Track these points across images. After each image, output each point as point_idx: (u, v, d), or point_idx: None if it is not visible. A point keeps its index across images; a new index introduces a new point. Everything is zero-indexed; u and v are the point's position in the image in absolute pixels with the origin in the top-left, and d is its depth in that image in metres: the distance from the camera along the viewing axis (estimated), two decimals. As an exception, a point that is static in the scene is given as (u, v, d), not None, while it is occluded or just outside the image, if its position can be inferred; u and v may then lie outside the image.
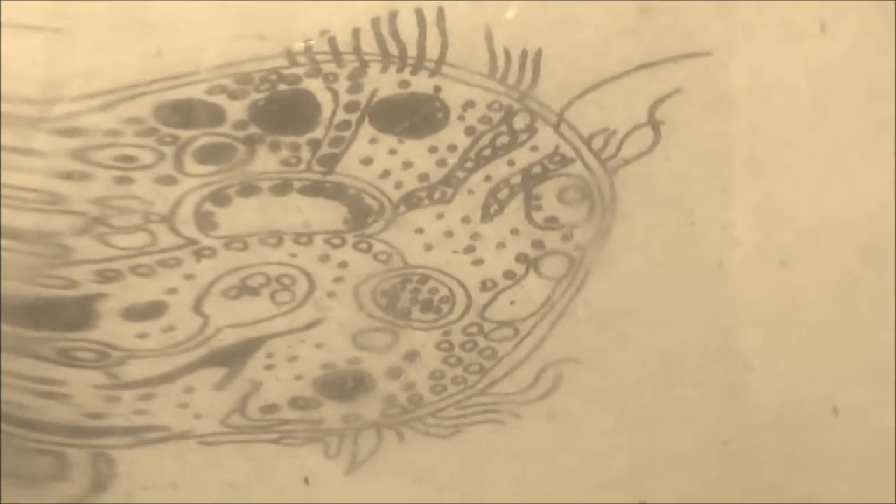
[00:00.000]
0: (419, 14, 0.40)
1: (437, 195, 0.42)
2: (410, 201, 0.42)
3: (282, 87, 0.40)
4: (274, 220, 0.42)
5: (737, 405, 0.46)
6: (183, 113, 0.40)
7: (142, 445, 0.44)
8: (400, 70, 0.41)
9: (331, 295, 0.43)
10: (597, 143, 0.42)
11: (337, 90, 0.41)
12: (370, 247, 0.43)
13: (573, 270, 0.44)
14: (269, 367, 0.43)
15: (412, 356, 0.44)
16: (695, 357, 0.45)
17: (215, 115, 0.40)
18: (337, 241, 0.42)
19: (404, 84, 0.41)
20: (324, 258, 0.43)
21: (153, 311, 0.42)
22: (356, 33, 0.40)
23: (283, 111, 0.41)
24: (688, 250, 0.44)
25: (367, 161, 0.42)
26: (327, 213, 0.42)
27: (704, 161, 0.43)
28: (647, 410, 0.46)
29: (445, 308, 0.44)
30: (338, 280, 0.43)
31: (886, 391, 0.46)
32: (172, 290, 0.42)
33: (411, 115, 0.41)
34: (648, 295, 0.44)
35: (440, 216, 0.43)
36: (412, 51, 0.41)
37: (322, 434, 0.44)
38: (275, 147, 0.41)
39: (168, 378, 0.43)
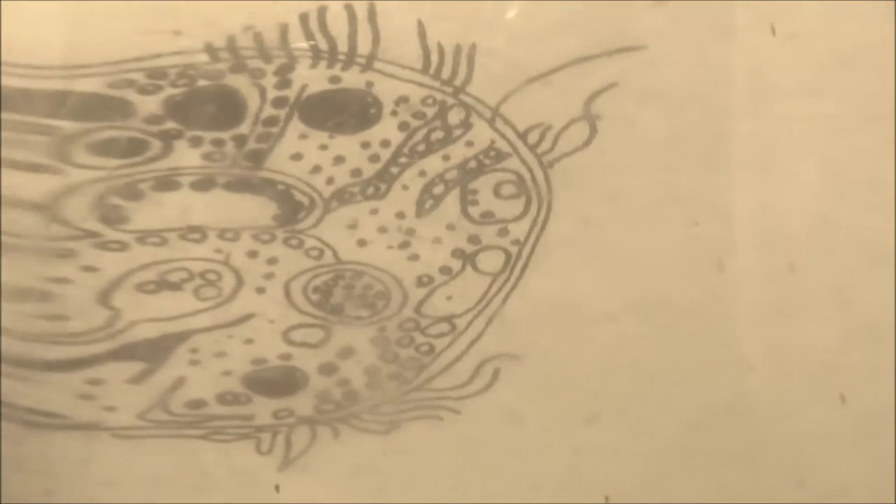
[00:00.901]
0: (349, 10, 0.40)
1: (370, 191, 0.42)
2: (342, 197, 0.42)
3: (202, 82, 0.40)
4: (196, 215, 0.41)
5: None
6: (72, 105, 0.39)
7: (29, 427, 0.43)
8: (330, 66, 0.40)
9: (260, 291, 0.42)
10: (532, 137, 0.42)
11: (264, 86, 0.40)
12: (301, 242, 0.42)
13: (510, 265, 0.43)
14: (194, 363, 0.43)
15: (346, 352, 0.44)
16: (640, 351, 0.45)
17: (120, 110, 0.40)
18: (266, 236, 0.42)
19: (335, 80, 0.41)
20: (252, 254, 0.42)
21: (31, 296, 0.42)
22: (283, 29, 0.39)
23: (205, 106, 0.40)
24: (624, 244, 0.43)
25: (296, 157, 0.41)
26: (255, 209, 0.42)
27: (641, 155, 0.42)
28: (588, 405, 0.45)
29: (381, 304, 0.43)
30: (268, 276, 0.42)
31: (887, 391, 0.46)
32: (62, 280, 0.42)
33: (342, 111, 0.41)
34: (587, 289, 0.44)
35: (374, 212, 0.42)
36: (343, 46, 0.40)
37: (253, 430, 0.44)
38: (195, 142, 0.40)
39: (62, 367, 0.43)
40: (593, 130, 0.42)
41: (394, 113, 0.41)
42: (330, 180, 0.42)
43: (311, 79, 0.40)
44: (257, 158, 0.41)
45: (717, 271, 0.44)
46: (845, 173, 0.43)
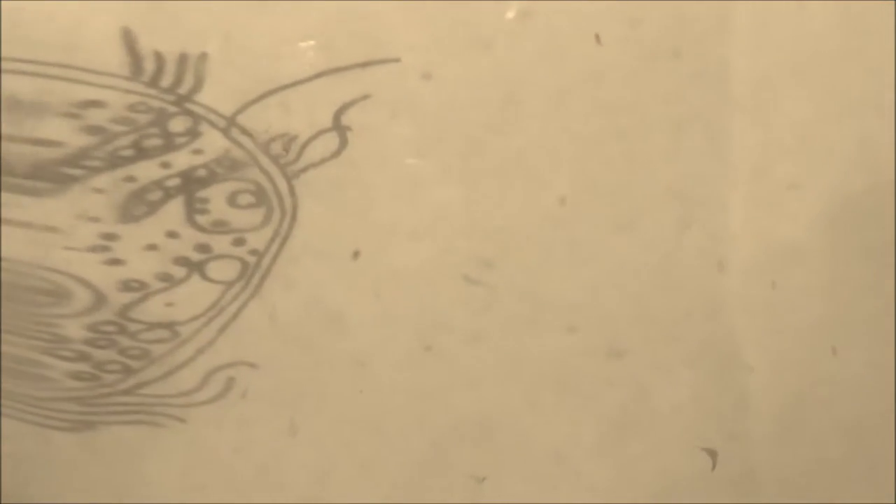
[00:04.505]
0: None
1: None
2: None
3: None
4: None
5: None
6: None
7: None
8: None
9: None
10: (275, 147, 0.38)
11: None
12: None
13: (247, 274, 0.40)
14: None
15: None
16: (386, 363, 0.42)
17: None
18: None
19: None
20: None
21: None
22: None
23: None
24: (373, 258, 0.41)
25: None
26: None
27: (392, 167, 0.40)
28: (327, 416, 0.43)
29: (46, 300, 0.40)
30: None
31: (887, 392, 0.45)
32: None
33: None
34: (332, 299, 0.41)
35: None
36: None
37: None
38: None
39: None
40: (343, 141, 0.39)
41: (73, 115, 0.37)
42: None
43: None
44: None
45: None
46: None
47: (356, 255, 0.40)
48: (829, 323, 0.44)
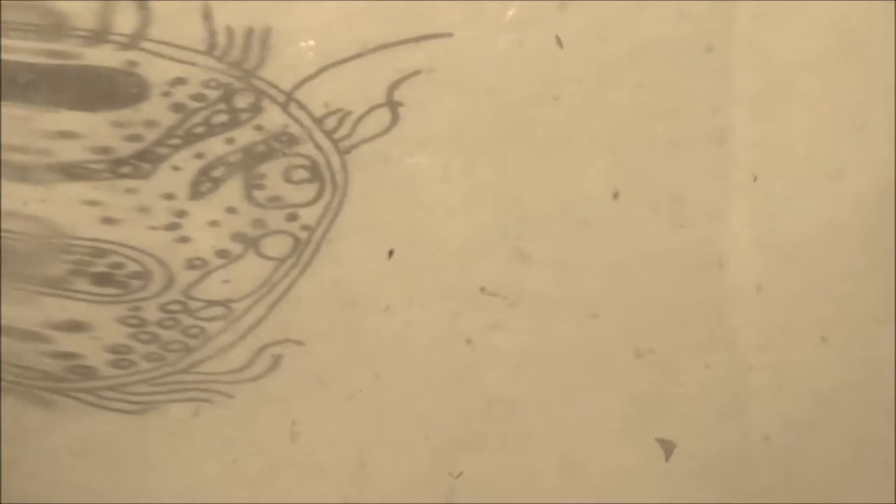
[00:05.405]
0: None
1: (124, 169, 0.39)
2: (71, 172, 0.38)
3: None
4: None
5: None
6: None
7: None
8: (52, 40, 0.37)
9: None
10: (329, 123, 0.39)
11: None
12: None
13: (299, 250, 0.41)
14: None
15: (69, 326, 0.41)
16: (424, 342, 0.43)
17: None
18: None
19: (61, 55, 0.37)
20: None
21: None
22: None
23: None
24: (420, 235, 0.42)
25: None
26: None
27: (442, 143, 0.40)
28: (371, 396, 0.44)
29: (136, 284, 0.40)
30: None
31: (888, 392, 0.46)
32: None
33: (76, 88, 0.38)
34: (378, 277, 0.42)
35: (131, 191, 0.39)
36: (86, 23, 0.37)
37: None
38: None
39: None
40: (395, 117, 0.40)
41: (166, 94, 0.38)
42: (45, 152, 0.38)
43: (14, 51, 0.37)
44: None
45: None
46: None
47: (400, 231, 0.41)
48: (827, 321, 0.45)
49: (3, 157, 0.38)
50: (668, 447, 0.45)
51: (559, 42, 0.39)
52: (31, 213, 0.39)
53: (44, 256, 0.40)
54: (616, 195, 0.42)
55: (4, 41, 0.37)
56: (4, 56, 0.37)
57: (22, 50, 0.37)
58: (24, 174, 0.38)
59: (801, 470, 0.47)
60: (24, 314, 0.41)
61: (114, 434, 0.43)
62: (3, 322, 0.41)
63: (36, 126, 0.38)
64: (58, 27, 0.36)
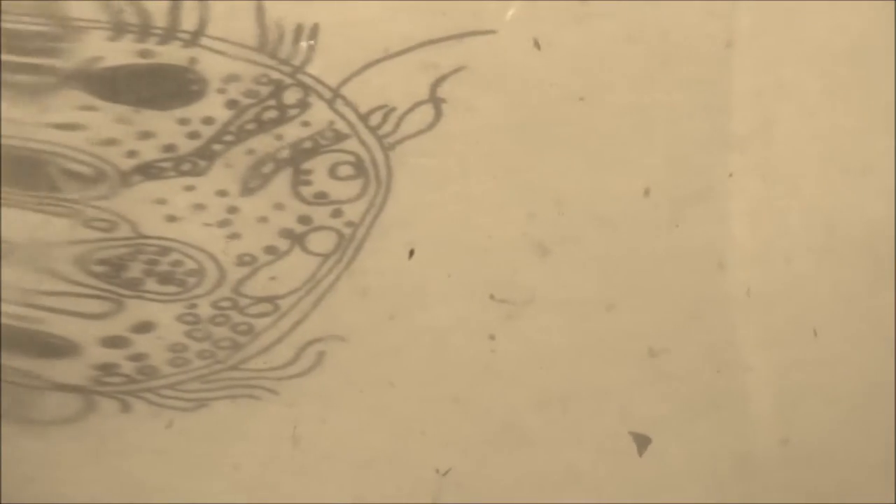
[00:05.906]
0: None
1: (185, 167, 0.40)
2: (149, 171, 0.39)
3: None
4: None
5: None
6: None
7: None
8: (140, 40, 0.38)
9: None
10: (374, 119, 0.40)
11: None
12: (76, 212, 0.40)
13: (342, 246, 0.42)
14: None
15: (143, 327, 0.42)
16: (473, 337, 0.43)
17: None
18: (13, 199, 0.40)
19: (146, 54, 0.38)
20: None
21: None
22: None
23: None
24: (461, 231, 0.42)
25: (69, 127, 0.39)
26: None
27: (484, 140, 0.41)
28: (408, 389, 0.44)
29: (192, 281, 0.41)
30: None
31: (886, 392, 0.46)
32: None
33: (153, 87, 0.39)
34: (419, 273, 0.42)
35: (189, 188, 0.40)
36: (161, 21, 0.38)
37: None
38: None
39: None
40: (438, 114, 0.40)
41: (221, 91, 0.39)
42: (131, 154, 0.39)
43: (110, 52, 0.38)
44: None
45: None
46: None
47: (442, 227, 0.42)
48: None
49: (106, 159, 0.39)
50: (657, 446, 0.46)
51: (593, 42, 0.40)
52: (116, 212, 0.40)
53: (129, 259, 0.41)
54: (647, 192, 0.43)
55: (103, 43, 0.38)
56: (108, 61, 0.38)
57: (118, 51, 0.38)
58: (120, 176, 0.40)
59: (816, 470, 0.47)
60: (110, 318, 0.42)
61: (171, 433, 0.43)
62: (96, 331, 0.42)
63: (132, 127, 0.39)
64: (145, 26, 0.38)
